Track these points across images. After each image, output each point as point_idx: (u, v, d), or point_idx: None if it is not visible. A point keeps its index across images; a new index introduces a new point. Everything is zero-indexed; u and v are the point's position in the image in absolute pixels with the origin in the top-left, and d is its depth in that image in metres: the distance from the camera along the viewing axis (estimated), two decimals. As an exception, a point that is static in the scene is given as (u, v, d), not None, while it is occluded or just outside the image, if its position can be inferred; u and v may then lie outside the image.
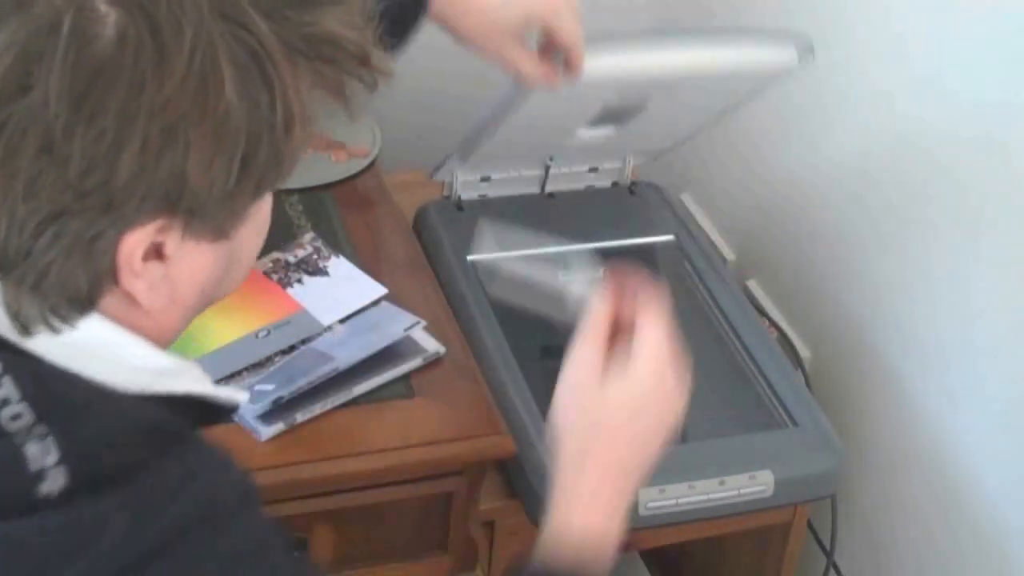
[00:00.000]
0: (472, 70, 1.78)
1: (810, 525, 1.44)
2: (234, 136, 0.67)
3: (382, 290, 1.27)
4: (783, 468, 1.26)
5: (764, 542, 1.44)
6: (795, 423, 1.31)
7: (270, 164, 0.70)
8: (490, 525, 1.27)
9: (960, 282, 1.33)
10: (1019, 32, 1.23)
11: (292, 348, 1.19)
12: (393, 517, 1.19)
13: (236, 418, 1.12)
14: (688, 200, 1.77)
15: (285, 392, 1.13)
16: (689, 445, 1.26)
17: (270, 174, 0.71)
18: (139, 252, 0.69)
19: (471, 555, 1.24)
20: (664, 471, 1.22)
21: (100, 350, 0.72)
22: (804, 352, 1.54)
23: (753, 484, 1.25)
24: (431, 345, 1.22)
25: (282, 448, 1.12)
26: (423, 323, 1.23)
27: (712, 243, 1.64)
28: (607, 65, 1.14)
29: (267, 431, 1.12)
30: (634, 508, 1.21)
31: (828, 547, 1.44)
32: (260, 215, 0.75)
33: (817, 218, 1.54)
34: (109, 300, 0.71)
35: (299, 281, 1.28)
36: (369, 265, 1.31)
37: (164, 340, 0.76)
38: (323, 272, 1.29)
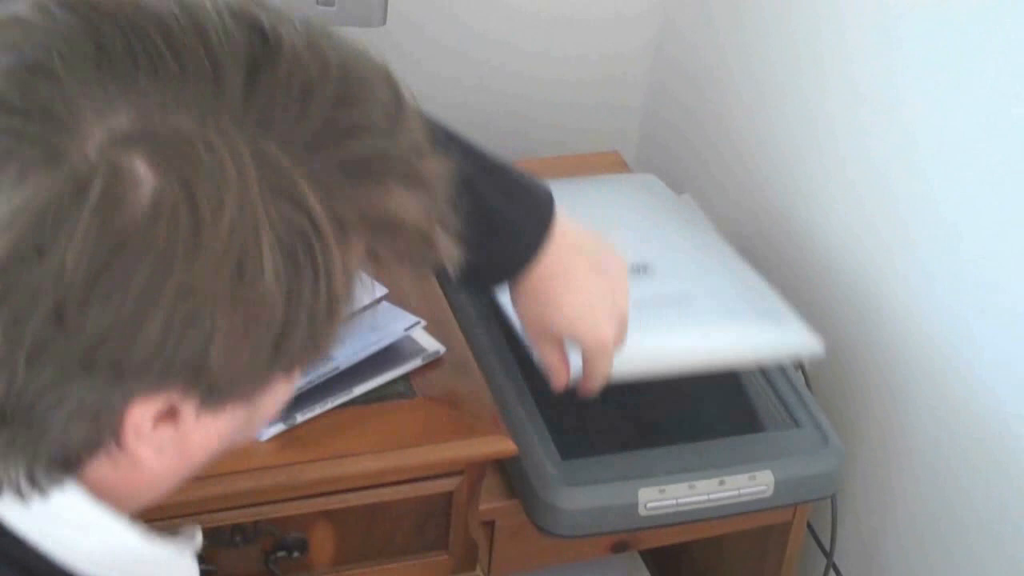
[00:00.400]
0: (473, 74, 1.79)
1: (810, 525, 1.44)
2: (268, 324, 0.61)
3: (382, 290, 1.27)
4: (783, 468, 1.26)
5: (764, 542, 1.44)
6: (795, 423, 1.31)
7: (306, 348, 0.64)
8: (490, 525, 1.27)
9: (961, 281, 1.33)
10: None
11: (292, 348, 1.19)
12: (393, 517, 1.19)
13: (236, 418, 1.12)
14: (688, 201, 1.77)
15: (285, 392, 1.13)
16: (689, 445, 1.26)
17: (306, 356, 0.64)
18: (149, 419, 0.63)
19: (471, 555, 1.24)
20: (664, 471, 1.23)
21: (66, 522, 0.66)
22: (804, 352, 1.54)
23: (753, 484, 1.25)
24: (431, 345, 1.22)
25: (282, 448, 1.12)
26: (423, 323, 1.23)
27: (712, 243, 1.65)
28: (623, 372, 1.15)
29: (267, 431, 1.12)
30: (634, 508, 1.21)
31: (828, 547, 1.44)
32: (289, 380, 0.69)
33: (817, 219, 1.54)
34: (101, 457, 0.65)
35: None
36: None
37: (155, 494, 0.71)
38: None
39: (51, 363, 0.59)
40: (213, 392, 0.63)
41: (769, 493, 1.25)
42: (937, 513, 1.39)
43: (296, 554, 1.16)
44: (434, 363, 1.22)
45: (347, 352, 1.18)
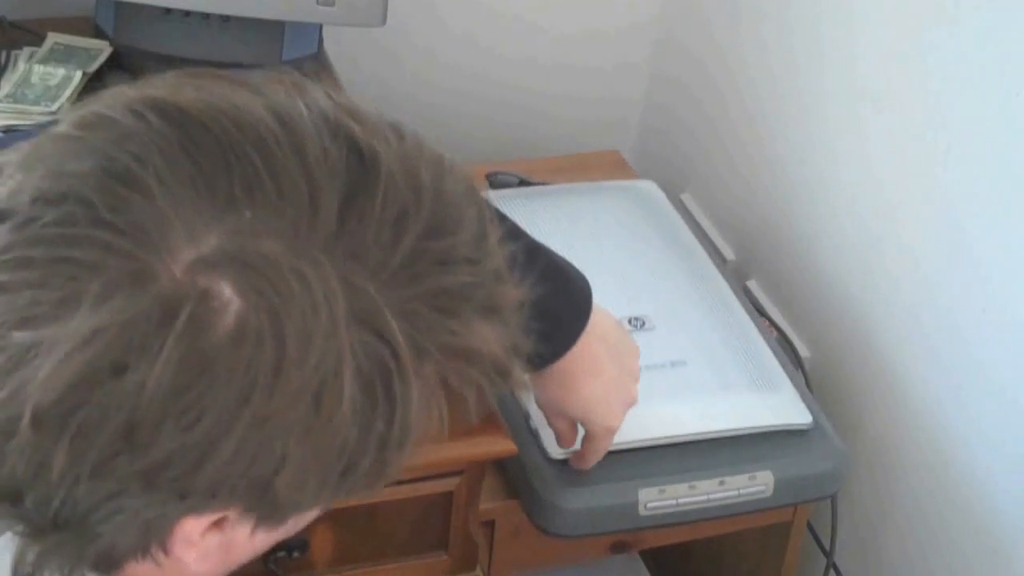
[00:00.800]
0: (473, 72, 1.79)
1: (810, 525, 1.44)
2: (338, 453, 0.60)
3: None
4: (783, 468, 1.26)
5: (764, 542, 1.44)
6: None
7: (372, 476, 0.63)
8: (490, 525, 1.27)
9: (963, 281, 1.33)
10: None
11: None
12: (393, 517, 1.19)
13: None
14: (688, 200, 1.77)
15: (285, 392, 1.13)
16: (689, 445, 1.26)
17: (369, 484, 0.63)
18: (200, 530, 0.62)
19: (471, 555, 1.24)
20: (664, 471, 1.23)
21: None
22: (804, 352, 1.54)
23: (753, 484, 1.24)
24: (431, 345, 1.22)
25: (282, 448, 1.11)
26: (423, 323, 1.23)
27: (712, 243, 1.65)
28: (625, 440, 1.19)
29: (267, 431, 1.11)
30: (634, 508, 1.21)
31: (828, 547, 1.44)
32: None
33: (817, 218, 1.54)
34: (143, 560, 0.63)
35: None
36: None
37: None
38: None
39: (113, 478, 0.57)
40: (274, 514, 0.62)
41: (769, 493, 1.25)
42: (937, 513, 1.39)
43: (296, 554, 1.16)
44: (434, 363, 1.21)
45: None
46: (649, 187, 1.57)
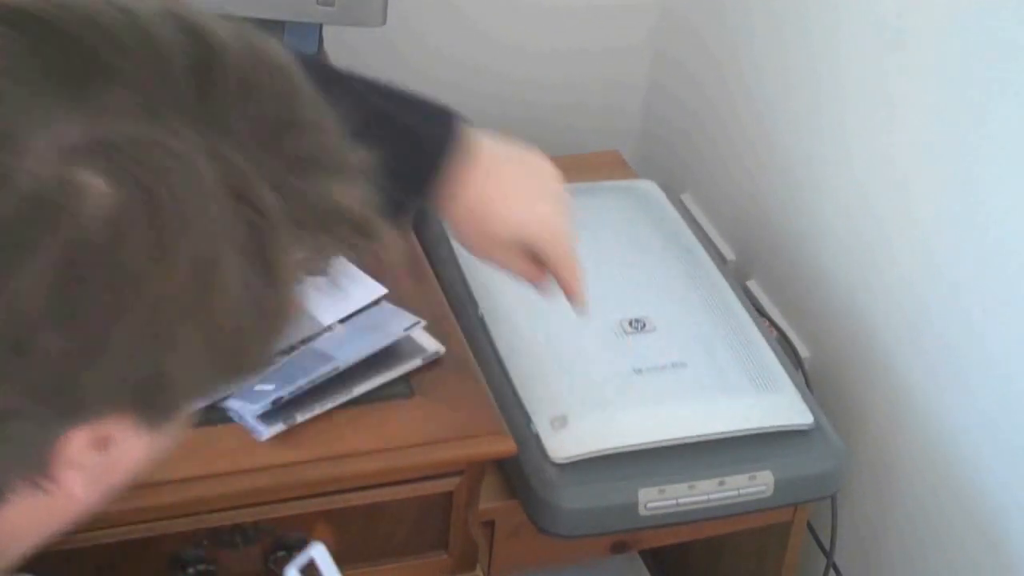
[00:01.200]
0: (470, 72, 1.79)
1: (810, 525, 1.44)
2: (230, 334, 0.59)
3: (382, 290, 1.27)
4: (783, 468, 1.26)
5: (764, 542, 1.44)
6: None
7: (259, 358, 0.63)
8: (490, 525, 1.27)
9: (963, 282, 1.33)
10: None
11: (292, 348, 1.19)
12: (393, 517, 1.19)
13: (236, 418, 1.12)
14: (688, 200, 1.77)
15: (285, 392, 1.13)
16: (689, 445, 1.26)
17: (255, 366, 0.63)
18: (85, 448, 0.59)
19: (471, 555, 1.24)
20: (664, 471, 1.23)
21: None
22: (804, 352, 1.54)
23: (753, 484, 1.25)
24: (431, 345, 1.22)
25: (282, 448, 1.11)
26: (423, 323, 1.23)
27: (712, 243, 1.64)
28: (617, 445, 1.18)
29: (267, 431, 1.12)
30: (634, 508, 1.21)
31: (828, 547, 1.44)
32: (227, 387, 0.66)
33: (817, 218, 1.54)
34: (22, 492, 0.60)
35: (299, 281, 1.27)
36: (369, 265, 1.30)
37: (57, 529, 0.66)
38: (323, 272, 1.29)
39: (3, 397, 0.55)
40: (167, 409, 0.61)
41: (769, 493, 1.25)
42: (937, 513, 1.39)
43: (296, 554, 1.16)
44: (434, 363, 1.21)
45: (347, 352, 1.18)
46: (649, 187, 1.57)
